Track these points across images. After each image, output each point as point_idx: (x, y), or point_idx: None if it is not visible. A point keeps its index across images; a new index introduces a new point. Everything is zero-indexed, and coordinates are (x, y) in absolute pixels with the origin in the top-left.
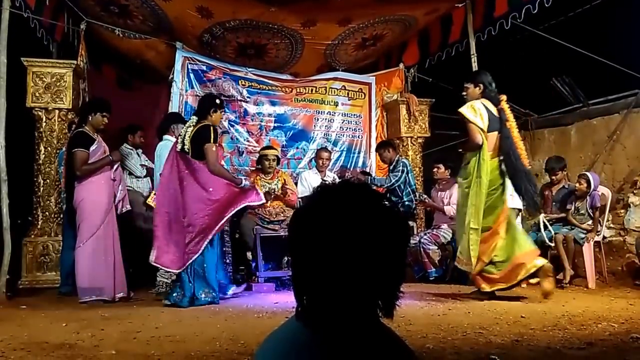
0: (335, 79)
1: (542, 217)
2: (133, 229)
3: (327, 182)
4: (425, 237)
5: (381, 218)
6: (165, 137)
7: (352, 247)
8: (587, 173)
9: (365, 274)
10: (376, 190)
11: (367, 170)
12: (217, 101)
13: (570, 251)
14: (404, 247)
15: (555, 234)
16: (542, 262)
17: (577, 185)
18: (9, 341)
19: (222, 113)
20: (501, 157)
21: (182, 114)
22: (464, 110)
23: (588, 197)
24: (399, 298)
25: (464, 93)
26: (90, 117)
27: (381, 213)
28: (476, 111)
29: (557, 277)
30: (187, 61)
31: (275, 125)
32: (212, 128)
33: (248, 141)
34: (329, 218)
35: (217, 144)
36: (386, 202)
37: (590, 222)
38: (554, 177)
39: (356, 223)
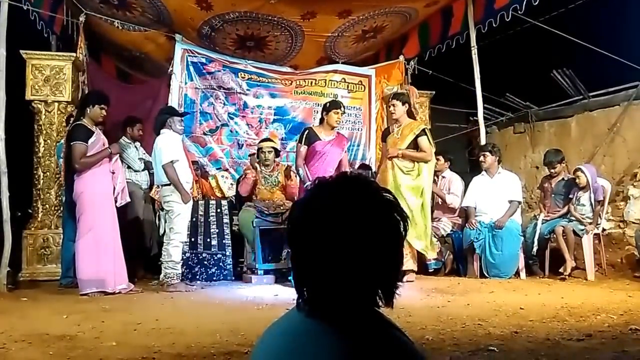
0: (335, 71)
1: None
2: (132, 221)
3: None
4: None
5: (378, 208)
6: (163, 130)
7: (350, 237)
8: (581, 167)
9: (364, 263)
10: (375, 181)
11: (367, 164)
12: (327, 104)
13: (570, 243)
14: (401, 236)
15: (555, 226)
16: None
17: (577, 179)
18: (9, 333)
19: (336, 111)
20: None
21: (182, 107)
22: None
23: (590, 190)
24: (398, 287)
25: (392, 110)
26: (88, 110)
27: (378, 203)
28: None
29: (559, 270)
30: (187, 53)
31: (275, 117)
32: (304, 130)
33: (247, 134)
34: (327, 209)
35: (304, 144)
36: (384, 193)
37: (591, 214)
38: (552, 170)
39: (354, 213)
